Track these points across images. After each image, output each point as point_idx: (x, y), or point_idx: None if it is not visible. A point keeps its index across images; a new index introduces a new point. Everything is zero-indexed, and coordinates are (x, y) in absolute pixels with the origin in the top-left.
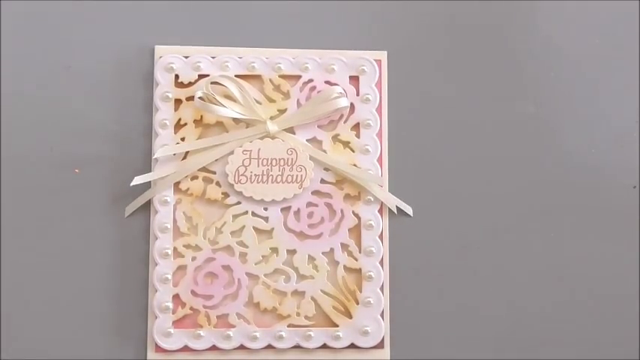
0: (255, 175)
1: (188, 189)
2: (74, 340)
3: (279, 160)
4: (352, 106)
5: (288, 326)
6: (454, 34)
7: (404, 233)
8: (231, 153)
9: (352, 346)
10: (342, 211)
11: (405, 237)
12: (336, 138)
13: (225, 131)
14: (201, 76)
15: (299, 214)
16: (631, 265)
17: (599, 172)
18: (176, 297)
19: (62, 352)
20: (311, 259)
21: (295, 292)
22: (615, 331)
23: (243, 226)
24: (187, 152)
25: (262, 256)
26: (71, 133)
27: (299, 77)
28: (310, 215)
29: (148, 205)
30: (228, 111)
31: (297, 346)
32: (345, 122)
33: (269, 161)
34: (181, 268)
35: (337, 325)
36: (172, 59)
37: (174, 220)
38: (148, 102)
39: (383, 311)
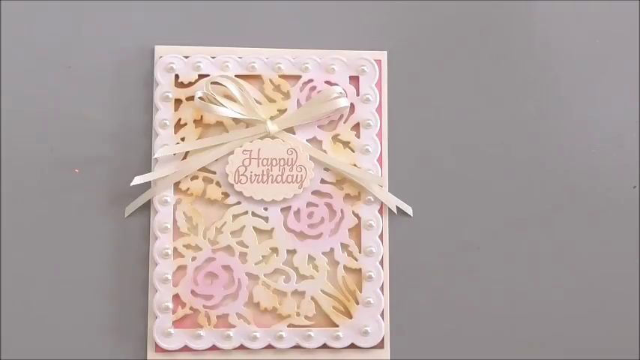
0: (255, 175)
1: (188, 189)
2: (74, 340)
3: (279, 160)
4: (352, 106)
5: (288, 326)
6: (454, 34)
7: (404, 233)
8: (231, 153)
9: (352, 346)
10: (342, 211)
11: (405, 237)
12: (336, 138)
13: (225, 131)
14: (201, 76)
15: (299, 214)
16: (631, 265)
17: (599, 172)
18: (176, 297)
19: (62, 352)
20: (311, 259)
21: (295, 292)
22: (615, 331)
23: (243, 226)
24: (187, 152)
25: (262, 256)
26: (71, 133)
27: (299, 77)
28: (310, 215)
29: (148, 205)
30: (228, 111)
31: (297, 346)
32: (345, 122)
33: (269, 161)
34: (181, 268)
35: (337, 325)
36: (172, 59)
37: (174, 220)
38: (148, 102)
39: (383, 311)
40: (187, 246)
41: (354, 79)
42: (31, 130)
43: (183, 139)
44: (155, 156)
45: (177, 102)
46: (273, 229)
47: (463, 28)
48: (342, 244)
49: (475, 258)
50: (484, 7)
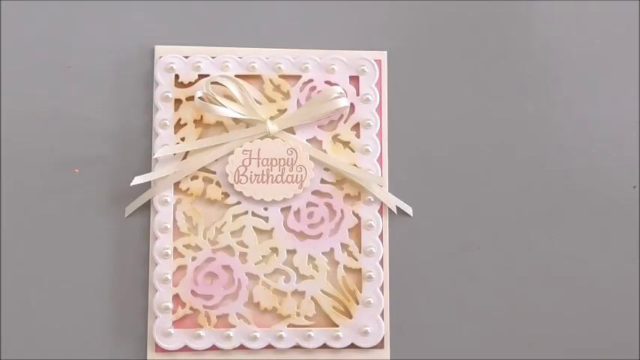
0: (255, 175)
1: (188, 189)
2: (74, 340)
3: (279, 160)
4: (352, 106)
5: (288, 326)
6: (454, 34)
7: (404, 233)
8: (231, 153)
9: (352, 346)
10: (342, 211)
11: (405, 237)
12: (336, 138)
13: (225, 131)
14: (201, 76)
15: (299, 214)
16: (631, 265)
17: (599, 172)
18: (176, 297)
19: (62, 352)
20: (311, 259)
21: (295, 292)
22: (615, 331)
23: (243, 226)
24: (187, 152)
25: (262, 256)
26: (71, 133)
27: (299, 77)
28: (310, 215)
29: (148, 205)
30: (228, 111)
31: (297, 346)
32: (345, 122)
33: (269, 161)
34: (181, 268)
35: (337, 325)
36: (172, 59)
37: (174, 220)
38: (148, 102)
39: (383, 311)
40: (187, 246)
41: (354, 79)
42: (31, 130)
43: (183, 139)
44: (155, 156)
45: (177, 102)
46: (273, 229)
47: (463, 28)
48: (342, 244)
49: (475, 258)
50: (484, 7)
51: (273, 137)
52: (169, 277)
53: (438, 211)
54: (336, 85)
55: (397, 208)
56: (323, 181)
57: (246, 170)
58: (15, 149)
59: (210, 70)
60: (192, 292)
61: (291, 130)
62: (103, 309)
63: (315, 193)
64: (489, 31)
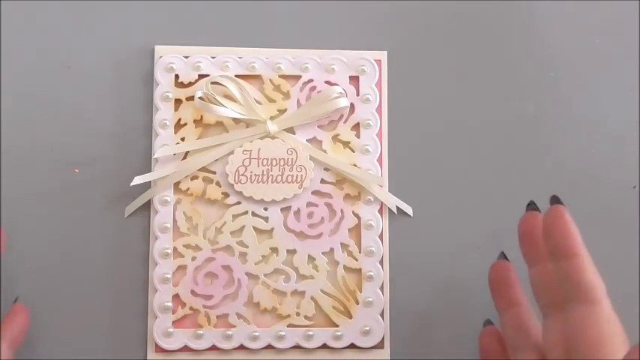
0: (255, 175)
1: (188, 189)
2: (74, 340)
3: (279, 160)
4: (352, 106)
5: (288, 326)
6: (454, 34)
7: (404, 233)
8: (231, 153)
9: (352, 346)
10: (342, 211)
11: (405, 237)
12: (336, 138)
13: (225, 131)
14: (201, 76)
15: (299, 214)
16: (631, 265)
17: (599, 172)
18: (176, 297)
19: (62, 352)
20: (311, 259)
21: (295, 292)
22: None
23: (243, 226)
24: (187, 152)
25: (262, 256)
26: (71, 133)
27: (299, 77)
28: (310, 215)
29: (148, 205)
30: (228, 111)
31: (297, 346)
32: (345, 122)
33: (269, 161)
34: (181, 268)
35: (337, 325)
36: (172, 59)
37: (174, 220)
38: (148, 102)
39: (383, 311)
40: (187, 246)
41: (354, 79)
42: (31, 130)
43: (183, 139)
44: (155, 156)
45: (177, 102)
46: (273, 229)
47: (463, 28)
48: (342, 244)
49: (475, 258)
50: (484, 7)
51: (273, 137)
52: (169, 277)
53: (438, 211)
54: (336, 85)
55: (397, 208)
56: (323, 181)
57: (246, 170)
58: (15, 149)
59: (210, 70)
60: (192, 292)
61: (291, 130)
62: (103, 309)
63: (315, 193)
64: (489, 31)
